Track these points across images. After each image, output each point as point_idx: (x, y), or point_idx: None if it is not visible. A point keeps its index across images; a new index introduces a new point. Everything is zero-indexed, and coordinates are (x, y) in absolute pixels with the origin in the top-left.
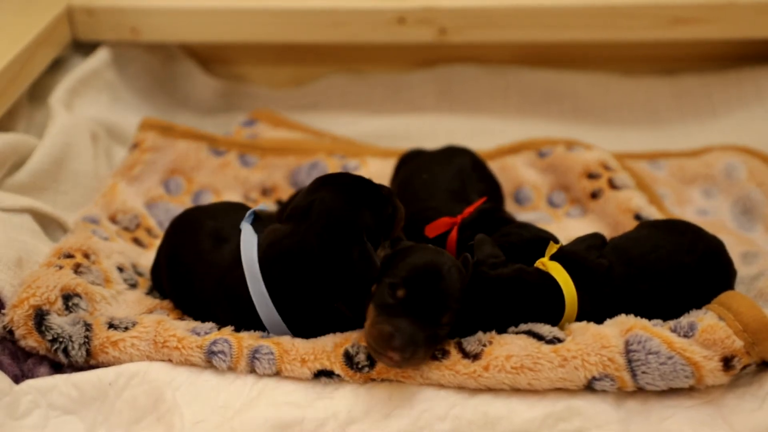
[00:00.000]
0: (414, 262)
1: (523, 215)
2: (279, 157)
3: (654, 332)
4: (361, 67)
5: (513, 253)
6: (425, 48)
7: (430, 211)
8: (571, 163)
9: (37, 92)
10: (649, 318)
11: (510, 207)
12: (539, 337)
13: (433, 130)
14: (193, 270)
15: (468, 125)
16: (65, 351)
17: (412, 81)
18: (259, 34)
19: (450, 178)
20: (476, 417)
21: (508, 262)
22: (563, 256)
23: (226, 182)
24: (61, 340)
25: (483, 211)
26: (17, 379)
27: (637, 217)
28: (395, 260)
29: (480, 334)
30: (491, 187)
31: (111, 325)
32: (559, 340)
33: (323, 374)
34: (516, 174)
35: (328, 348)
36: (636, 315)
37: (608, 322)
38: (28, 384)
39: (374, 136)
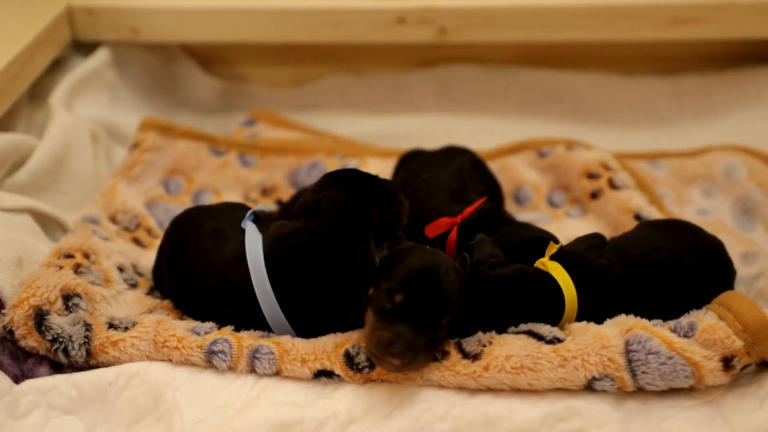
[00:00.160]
0: (411, 266)
1: (523, 215)
2: (279, 157)
3: (654, 332)
4: (361, 67)
5: (513, 253)
6: (425, 48)
7: (430, 211)
8: (571, 163)
9: (37, 92)
10: (649, 318)
11: (510, 207)
12: (539, 337)
13: (433, 130)
14: (195, 269)
15: (468, 125)
16: (65, 351)
17: (412, 81)
18: (259, 34)
19: (450, 178)
20: (476, 417)
21: (507, 262)
22: (563, 256)
23: (226, 182)
24: (61, 340)
25: (483, 211)
26: (17, 379)
27: (637, 217)
28: (392, 263)
29: (480, 334)
30: (491, 187)
31: (111, 325)
32: (559, 340)
33: (323, 374)
34: (516, 174)
35: (328, 348)
36: (636, 315)
37: (608, 322)
38: (28, 384)
39: (374, 136)
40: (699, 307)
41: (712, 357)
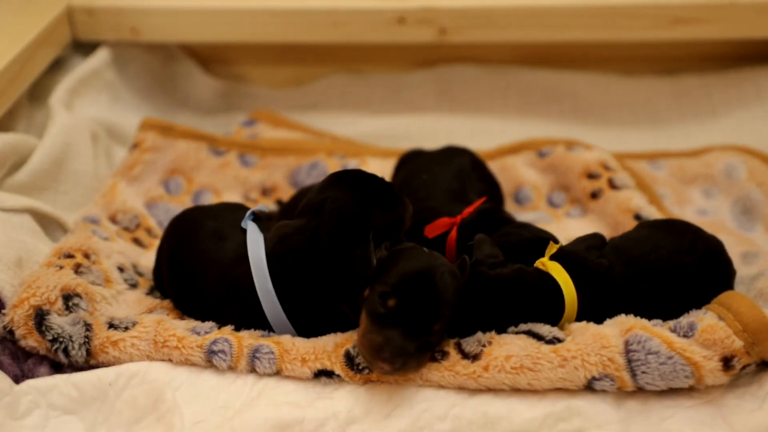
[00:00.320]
0: (406, 269)
1: (523, 215)
2: (279, 157)
3: (654, 332)
4: (361, 67)
5: (513, 253)
6: (425, 48)
7: (430, 212)
8: (571, 163)
9: (37, 92)
10: (649, 318)
11: (510, 207)
12: (539, 337)
13: (433, 130)
14: (195, 269)
15: (468, 125)
16: (65, 351)
17: (412, 81)
18: (259, 34)
19: (449, 179)
20: (476, 417)
21: (507, 262)
22: (563, 256)
23: (226, 182)
24: (61, 340)
25: (482, 212)
26: (17, 379)
27: (637, 217)
28: (388, 265)
29: (479, 334)
30: (491, 188)
31: (111, 325)
32: (559, 340)
33: (323, 374)
34: (516, 174)
35: (328, 348)
36: (636, 315)
37: (608, 322)
38: (28, 384)
39: (374, 136)
40: (699, 307)
41: (712, 357)
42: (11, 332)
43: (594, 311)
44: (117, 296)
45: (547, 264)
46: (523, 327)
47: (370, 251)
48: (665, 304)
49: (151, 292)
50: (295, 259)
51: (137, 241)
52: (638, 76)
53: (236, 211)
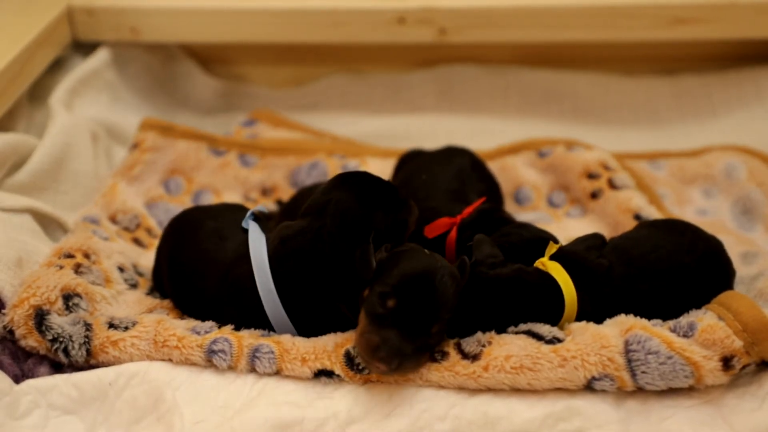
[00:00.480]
0: (405, 271)
1: (523, 215)
2: (279, 157)
3: (653, 332)
4: (361, 67)
5: (513, 253)
6: (425, 48)
7: (430, 212)
8: (571, 163)
9: (37, 92)
10: (649, 318)
11: (510, 207)
12: (539, 337)
13: (433, 130)
14: (195, 268)
15: (468, 125)
16: (65, 351)
17: (412, 81)
18: (259, 34)
19: (449, 179)
20: (476, 417)
21: (507, 262)
22: (563, 256)
23: (226, 182)
24: (61, 339)
25: (482, 212)
26: (17, 379)
27: (637, 217)
28: (388, 266)
29: (479, 334)
30: (490, 188)
31: (111, 325)
32: (559, 340)
33: (323, 374)
34: (516, 174)
35: (329, 348)
36: (636, 315)
37: (608, 322)
38: (28, 384)
39: (374, 136)
40: (699, 307)
41: (712, 357)
42: (11, 332)
43: (594, 311)
44: (117, 296)
45: (547, 264)
46: (522, 327)
47: (369, 253)
48: (665, 304)
49: (151, 292)
50: (298, 260)
51: (137, 241)
52: (638, 76)
53: (236, 211)
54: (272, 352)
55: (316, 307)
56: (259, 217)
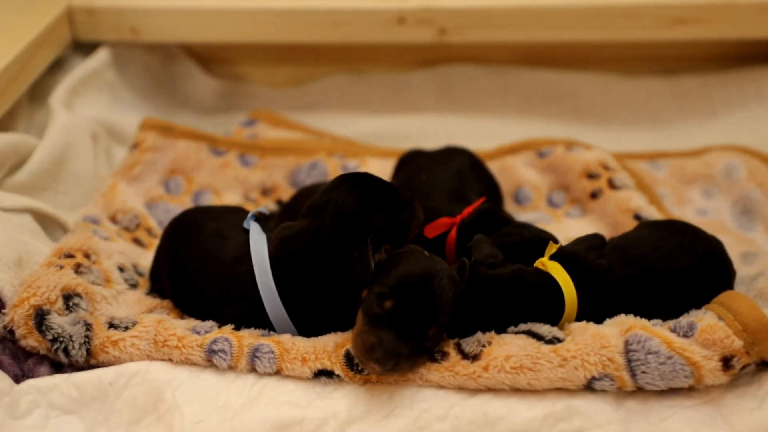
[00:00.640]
0: (404, 272)
1: (523, 215)
2: (279, 157)
3: (653, 332)
4: (361, 67)
5: (513, 253)
6: (425, 48)
7: (429, 212)
8: (570, 163)
9: (37, 92)
10: (649, 318)
11: (510, 207)
12: (539, 337)
13: (433, 130)
14: (196, 268)
15: (468, 125)
16: (66, 351)
17: (412, 81)
18: (259, 34)
19: (449, 179)
20: (476, 417)
21: (506, 262)
22: (563, 256)
23: (226, 182)
24: (61, 339)
25: (482, 212)
26: (17, 379)
27: (637, 217)
28: (387, 267)
29: (479, 334)
30: (490, 188)
31: (111, 325)
32: (559, 340)
33: (323, 374)
34: (516, 174)
35: (329, 348)
36: (636, 315)
37: (608, 322)
38: (29, 384)
39: (374, 136)
40: (699, 307)
41: (712, 357)
42: (11, 332)
43: (594, 311)
44: (117, 296)
45: (547, 264)
46: (522, 327)
47: (368, 254)
48: (665, 304)
49: (151, 292)
50: (298, 260)
51: (137, 241)
52: (638, 76)
53: (236, 212)
54: (272, 352)
55: (316, 306)
56: (260, 218)
